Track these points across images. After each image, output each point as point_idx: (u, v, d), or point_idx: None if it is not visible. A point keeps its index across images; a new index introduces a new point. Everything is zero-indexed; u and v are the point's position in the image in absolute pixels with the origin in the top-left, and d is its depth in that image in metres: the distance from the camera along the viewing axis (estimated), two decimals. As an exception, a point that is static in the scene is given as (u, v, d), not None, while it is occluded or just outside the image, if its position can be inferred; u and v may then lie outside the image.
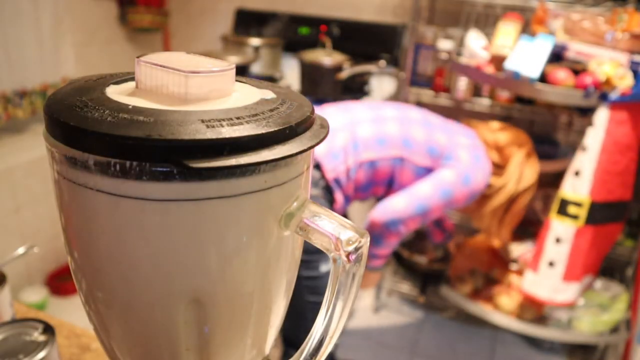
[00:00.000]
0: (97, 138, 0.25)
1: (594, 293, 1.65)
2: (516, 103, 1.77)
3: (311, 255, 1.19)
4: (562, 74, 1.44)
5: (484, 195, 1.36)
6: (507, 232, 1.46)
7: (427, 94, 1.89)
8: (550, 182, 1.78)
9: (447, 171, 1.22)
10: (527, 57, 1.48)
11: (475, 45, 1.68)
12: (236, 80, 0.33)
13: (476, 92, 1.84)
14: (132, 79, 0.32)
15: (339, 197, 1.21)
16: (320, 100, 1.84)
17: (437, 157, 1.24)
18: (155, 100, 0.29)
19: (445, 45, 1.81)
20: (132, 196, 0.26)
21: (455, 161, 1.24)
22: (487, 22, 1.82)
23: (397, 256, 2.18)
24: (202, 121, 0.26)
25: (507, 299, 1.65)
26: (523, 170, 1.36)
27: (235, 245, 0.29)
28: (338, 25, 2.08)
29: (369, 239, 0.30)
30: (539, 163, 1.80)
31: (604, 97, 1.37)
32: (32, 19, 1.81)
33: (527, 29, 1.66)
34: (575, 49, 1.48)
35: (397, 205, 1.20)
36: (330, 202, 1.21)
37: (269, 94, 0.32)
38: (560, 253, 1.46)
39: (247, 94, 0.32)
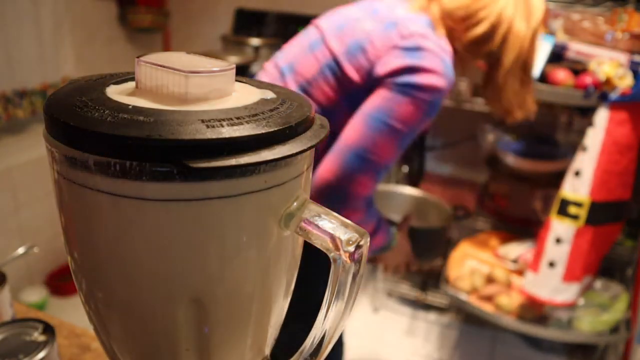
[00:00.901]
0: (97, 138, 0.25)
1: (594, 293, 1.65)
2: (516, 103, 1.77)
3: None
4: (562, 74, 1.44)
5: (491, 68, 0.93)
6: (531, 99, 0.99)
7: (427, 94, 1.88)
8: (550, 182, 1.78)
9: (374, 94, 0.83)
10: (527, 57, 1.48)
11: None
12: (236, 80, 0.33)
13: (476, 92, 1.84)
14: (132, 79, 0.32)
15: None
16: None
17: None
18: (155, 100, 0.29)
19: (445, 45, 1.81)
20: (132, 196, 0.26)
21: (380, 65, 0.83)
22: (487, 22, 1.82)
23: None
24: (202, 121, 0.26)
25: (507, 299, 1.65)
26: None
27: (235, 245, 0.29)
28: (338, 25, 2.07)
29: (369, 238, 0.30)
30: (538, 163, 1.80)
31: (604, 97, 1.37)
32: (32, 19, 1.81)
33: (527, 29, 1.66)
34: (575, 49, 1.48)
35: (325, 169, 0.83)
36: None
37: (269, 94, 0.32)
38: (560, 253, 1.46)
39: (247, 94, 0.32)
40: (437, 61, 0.80)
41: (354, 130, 0.82)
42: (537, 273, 1.51)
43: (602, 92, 1.38)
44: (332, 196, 0.83)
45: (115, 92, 0.30)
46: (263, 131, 0.26)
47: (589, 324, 1.59)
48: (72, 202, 0.29)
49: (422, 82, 0.79)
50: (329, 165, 0.82)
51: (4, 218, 1.76)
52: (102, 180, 0.26)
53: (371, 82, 0.84)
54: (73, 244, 0.31)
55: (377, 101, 0.81)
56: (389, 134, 0.80)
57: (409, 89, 0.80)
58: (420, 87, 0.79)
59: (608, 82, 1.38)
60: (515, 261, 1.75)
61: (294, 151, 0.27)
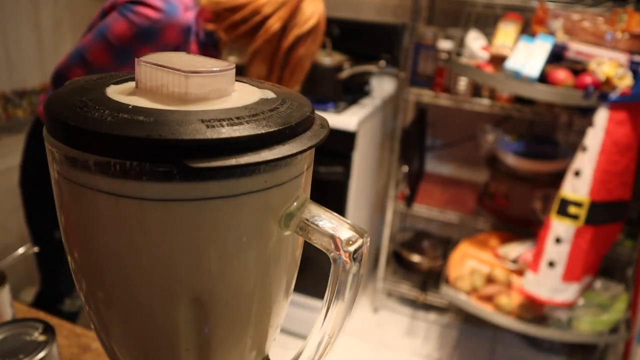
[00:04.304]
0: (97, 138, 0.25)
1: (594, 293, 1.65)
2: (516, 103, 1.77)
3: None
4: (562, 74, 1.44)
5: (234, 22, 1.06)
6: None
7: (427, 94, 1.89)
8: (550, 182, 1.78)
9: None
10: (527, 57, 1.48)
11: (475, 46, 1.68)
12: (236, 80, 0.33)
13: (476, 92, 1.84)
14: (132, 79, 0.32)
15: None
16: (319, 101, 1.84)
17: None
18: (155, 100, 0.29)
19: (445, 45, 1.81)
20: (132, 196, 0.26)
21: None
22: (487, 22, 1.82)
23: (396, 256, 2.18)
24: (202, 121, 0.26)
25: (507, 299, 1.65)
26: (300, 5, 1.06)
27: (235, 245, 0.29)
28: (338, 25, 2.08)
29: (369, 238, 0.30)
30: (538, 163, 1.80)
31: (603, 97, 1.37)
32: (32, 19, 1.81)
33: (527, 29, 1.66)
34: (575, 49, 1.48)
35: (62, 58, 1.04)
36: None
37: (269, 94, 0.32)
38: (560, 253, 1.46)
39: (247, 94, 0.32)
40: (159, 1, 0.97)
41: (86, 36, 1.02)
42: (536, 273, 1.51)
43: (601, 92, 1.38)
44: (57, 75, 1.04)
45: (115, 92, 0.30)
46: (263, 131, 0.26)
47: (589, 324, 1.59)
48: (72, 202, 0.29)
49: (137, 9, 0.97)
50: (66, 55, 1.03)
51: (4, 218, 1.76)
52: (102, 180, 0.26)
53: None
54: (73, 244, 0.31)
55: (105, 19, 1.00)
56: (102, 43, 0.99)
57: (125, 11, 0.97)
58: (134, 11, 0.97)
59: (608, 82, 1.38)
60: (515, 261, 1.76)
61: (294, 151, 0.27)
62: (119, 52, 0.99)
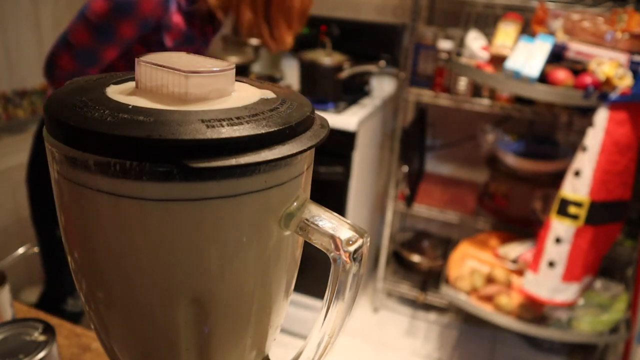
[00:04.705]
0: (97, 138, 0.25)
1: (594, 293, 1.65)
2: (516, 103, 1.77)
3: None
4: (562, 74, 1.45)
5: None
6: (285, 35, 1.16)
7: (427, 94, 1.89)
8: (550, 182, 1.78)
9: None
10: (527, 57, 1.48)
11: (475, 46, 1.68)
12: (236, 80, 0.33)
13: (476, 92, 1.84)
14: (132, 79, 0.32)
15: None
16: (319, 101, 1.84)
17: None
18: (155, 100, 0.29)
19: (445, 45, 1.81)
20: (132, 196, 0.26)
21: None
22: (487, 22, 1.82)
23: (396, 256, 2.18)
24: (202, 121, 0.26)
25: (507, 299, 1.65)
26: None
27: (235, 245, 0.29)
28: (338, 25, 2.08)
29: (369, 238, 0.30)
30: (538, 163, 1.80)
31: (603, 97, 1.37)
32: (32, 19, 1.81)
33: (527, 29, 1.66)
34: (575, 49, 1.48)
35: (53, 44, 1.06)
36: None
37: (269, 94, 0.32)
38: (560, 253, 1.46)
39: (247, 94, 0.32)
40: None
41: (73, 18, 1.03)
42: (536, 273, 1.51)
43: (601, 92, 1.38)
44: (47, 63, 1.07)
45: (115, 92, 0.30)
46: (263, 131, 0.26)
47: (589, 324, 1.59)
48: (72, 202, 0.29)
49: None
50: (54, 41, 1.06)
51: (4, 218, 1.76)
52: (102, 180, 0.26)
53: None
54: (73, 244, 0.31)
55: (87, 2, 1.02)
56: (82, 23, 1.01)
57: None
58: None
59: (608, 82, 1.38)
60: (515, 261, 1.76)
61: (294, 151, 0.27)
62: (99, 30, 1.00)
